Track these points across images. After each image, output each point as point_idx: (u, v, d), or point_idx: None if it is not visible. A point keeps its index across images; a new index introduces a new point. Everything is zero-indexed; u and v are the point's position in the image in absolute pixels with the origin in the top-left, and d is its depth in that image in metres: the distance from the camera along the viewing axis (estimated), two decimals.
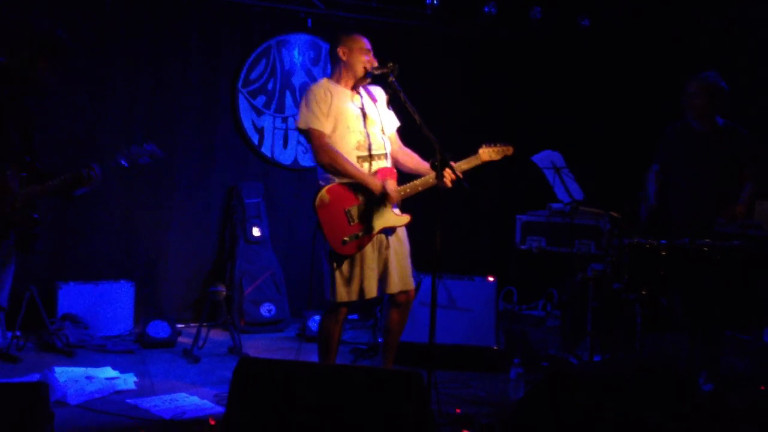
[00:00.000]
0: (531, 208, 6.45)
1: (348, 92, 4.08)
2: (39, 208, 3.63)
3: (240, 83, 6.41)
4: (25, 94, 3.66)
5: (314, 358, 4.31)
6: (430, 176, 3.98)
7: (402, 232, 4.15)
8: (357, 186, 3.97)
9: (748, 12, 6.18)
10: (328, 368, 3.52)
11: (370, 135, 4.05)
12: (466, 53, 7.23)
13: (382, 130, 4.13)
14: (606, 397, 3.00)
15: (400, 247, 4.11)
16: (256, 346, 5.66)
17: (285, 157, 6.65)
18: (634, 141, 6.13)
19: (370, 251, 3.99)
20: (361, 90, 4.14)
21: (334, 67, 4.13)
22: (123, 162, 3.83)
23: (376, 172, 4.02)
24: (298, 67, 6.64)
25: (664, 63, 6.68)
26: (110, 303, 5.74)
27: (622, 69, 7.12)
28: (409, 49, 6.69)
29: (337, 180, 3.97)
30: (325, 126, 3.96)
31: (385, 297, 4.19)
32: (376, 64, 4.04)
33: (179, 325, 5.84)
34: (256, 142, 6.51)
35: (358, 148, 4.01)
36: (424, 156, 4.15)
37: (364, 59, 4.03)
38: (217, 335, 5.70)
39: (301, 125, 4.01)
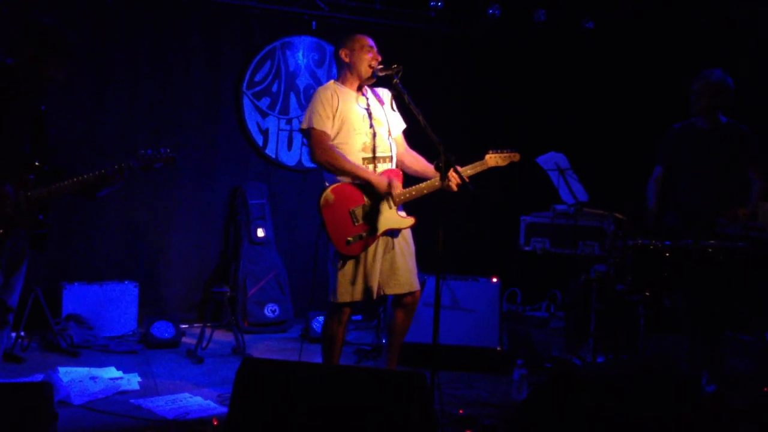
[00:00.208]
0: (535, 210, 6.45)
1: (353, 94, 4.06)
2: (47, 209, 3.62)
3: (245, 85, 6.42)
4: (35, 96, 3.63)
5: (318, 358, 4.30)
6: (436, 179, 3.91)
7: (408, 234, 4.14)
8: (362, 187, 3.95)
9: (750, 13, 6.17)
10: (331, 369, 3.53)
11: (377, 136, 4.03)
12: (469, 55, 7.23)
13: (389, 132, 4.11)
14: (609, 398, 3.00)
15: (406, 248, 4.10)
16: (260, 347, 5.67)
17: (289, 159, 6.66)
18: (637, 142, 6.11)
19: (374, 252, 3.98)
20: (368, 92, 4.13)
21: (339, 71, 4.12)
22: (134, 163, 3.79)
23: (381, 172, 4.00)
24: (302, 69, 6.65)
25: (667, 64, 6.68)
26: (114, 303, 5.75)
27: (625, 71, 7.11)
28: (413, 52, 6.69)
29: (342, 180, 3.95)
30: (327, 127, 3.94)
31: (389, 298, 4.19)
32: (380, 59, 4.01)
33: (183, 326, 5.87)
34: (260, 144, 6.52)
35: (363, 150, 3.99)
36: (428, 158, 4.15)
37: (367, 57, 4.00)
38: (221, 336, 5.72)
39: (303, 125, 4.00)
